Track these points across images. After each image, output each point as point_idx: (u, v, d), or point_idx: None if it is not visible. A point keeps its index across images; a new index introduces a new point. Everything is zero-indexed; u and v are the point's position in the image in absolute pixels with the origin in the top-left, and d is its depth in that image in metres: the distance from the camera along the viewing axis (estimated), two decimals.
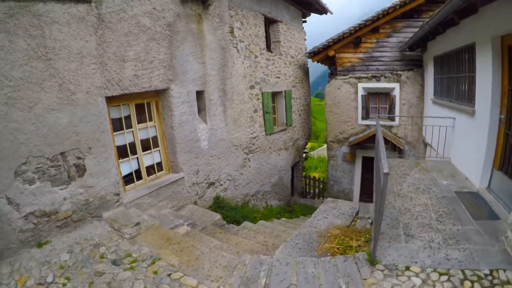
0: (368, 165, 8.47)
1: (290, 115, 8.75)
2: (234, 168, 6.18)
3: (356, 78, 8.15)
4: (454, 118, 4.88)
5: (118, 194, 3.68)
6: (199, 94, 5.09)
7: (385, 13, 7.39)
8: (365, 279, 2.37)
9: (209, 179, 5.43)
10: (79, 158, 3.25)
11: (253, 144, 6.89)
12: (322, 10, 9.36)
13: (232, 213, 5.31)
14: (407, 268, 2.43)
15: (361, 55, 8.11)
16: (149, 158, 4.48)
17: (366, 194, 8.54)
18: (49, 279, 2.55)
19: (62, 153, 3.10)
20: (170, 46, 4.34)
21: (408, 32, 7.43)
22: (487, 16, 3.57)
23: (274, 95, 8.14)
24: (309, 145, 17.44)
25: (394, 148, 7.78)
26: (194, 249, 2.99)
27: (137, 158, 4.29)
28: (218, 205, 5.42)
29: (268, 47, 7.84)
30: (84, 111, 3.24)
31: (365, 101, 8.23)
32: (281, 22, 8.06)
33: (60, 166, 3.09)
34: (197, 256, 2.87)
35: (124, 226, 3.30)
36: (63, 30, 3.00)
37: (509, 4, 3.03)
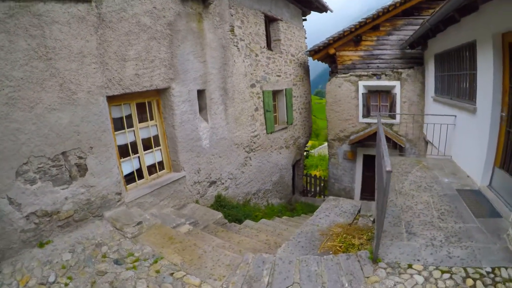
0: (369, 163, 8.47)
1: (291, 113, 8.74)
2: (235, 166, 6.18)
3: (356, 76, 8.13)
4: (455, 116, 4.87)
5: (119, 194, 3.68)
6: (200, 93, 5.08)
7: (385, 11, 7.36)
8: (367, 277, 2.37)
9: (211, 178, 5.43)
10: (80, 157, 3.25)
11: (254, 142, 6.89)
12: (322, 8, 9.33)
13: (234, 211, 5.31)
14: (410, 266, 2.44)
15: (361, 53, 8.08)
16: (150, 157, 4.48)
17: (367, 192, 8.54)
18: (51, 279, 2.55)
19: (63, 153, 3.09)
20: (171, 45, 4.33)
21: (408, 30, 7.41)
22: (488, 14, 3.56)
23: (275, 93, 8.12)
24: (309, 143, 17.42)
25: (395, 146, 7.78)
26: (196, 248, 2.99)
27: (139, 157, 4.29)
28: (219, 203, 5.42)
29: (269, 46, 7.82)
30: (85, 111, 3.24)
31: (366, 99, 8.22)
32: (281, 21, 8.03)
33: (61, 166, 3.09)
34: (199, 255, 2.87)
35: (126, 226, 3.30)
36: (63, 29, 2.99)
37: (510, 1, 3.02)
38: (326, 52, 8.30)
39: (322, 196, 10.69)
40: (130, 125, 4.14)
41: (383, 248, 2.65)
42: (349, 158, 8.72)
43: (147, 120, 4.39)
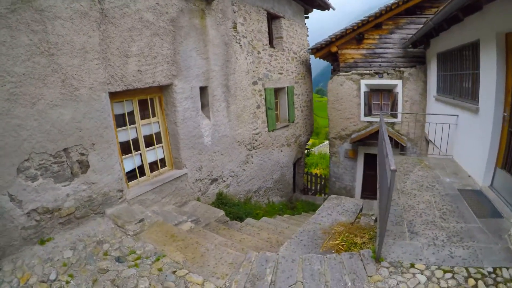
0: (370, 162, 8.47)
1: (293, 111, 8.72)
2: (237, 164, 6.17)
3: (358, 74, 8.11)
4: (457, 116, 4.87)
5: (121, 191, 3.66)
6: (203, 90, 5.06)
7: (388, 9, 7.32)
8: (370, 276, 2.38)
9: (212, 175, 5.42)
10: (82, 154, 3.23)
11: (255, 140, 6.88)
12: (324, 5, 9.28)
13: (235, 209, 5.30)
14: (412, 265, 2.45)
15: (363, 52, 8.05)
16: (152, 154, 4.46)
17: (368, 191, 8.55)
18: (52, 277, 2.53)
19: (65, 150, 3.07)
20: (174, 42, 4.30)
21: (410, 29, 7.38)
22: (491, 13, 3.54)
23: (277, 91, 8.10)
24: (310, 141, 17.41)
25: (396, 145, 7.77)
26: (198, 245, 2.98)
27: (140, 154, 4.27)
28: (221, 201, 5.42)
29: (271, 43, 7.78)
30: (87, 107, 3.21)
31: (368, 97, 8.20)
32: (284, 18, 7.99)
33: (63, 163, 3.07)
34: (202, 253, 2.86)
35: (128, 223, 3.29)
36: (65, 25, 2.95)
37: None
38: (328, 50, 8.27)
39: (323, 195, 10.70)
40: (132, 122, 4.11)
41: (385, 247, 2.66)
42: (350, 157, 8.72)
43: (149, 117, 4.37)
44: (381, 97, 8.28)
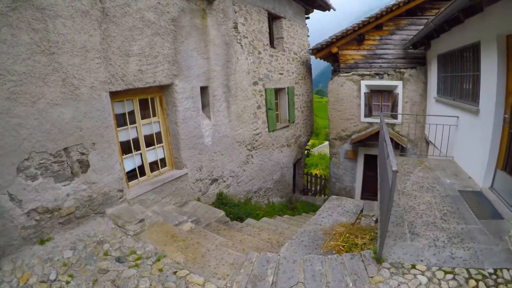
0: (370, 163, 8.47)
1: (293, 112, 8.72)
2: (237, 164, 6.16)
3: (359, 75, 8.11)
4: (458, 117, 4.87)
5: (121, 190, 3.65)
6: (203, 90, 5.05)
7: (389, 10, 7.33)
8: (372, 277, 2.37)
9: (212, 175, 5.41)
10: (82, 154, 3.21)
11: (256, 140, 6.87)
12: (325, 6, 9.28)
13: (235, 209, 5.30)
14: (413, 266, 2.45)
15: (364, 52, 8.06)
16: (152, 154, 4.45)
17: (368, 192, 8.55)
18: (52, 277, 2.52)
19: (65, 149, 3.06)
20: (175, 41, 4.29)
21: (411, 30, 7.39)
22: (492, 15, 3.55)
23: (277, 91, 8.10)
24: (309, 142, 17.42)
25: (396, 147, 7.77)
26: (199, 246, 2.97)
27: (141, 154, 4.26)
28: (221, 201, 5.41)
29: (272, 43, 7.78)
30: (88, 106, 3.20)
31: (368, 98, 8.20)
32: (284, 18, 7.99)
33: (63, 162, 3.05)
34: (202, 254, 2.84)
35: (128, 223, 3.28)
36: (67, 24, 2.94)
37: None
38: (329, 50, 8.27)
39: (323, 195, 10.70)
40: (133, 122, 4.10)
41: (386, 248, 2.66)
42: (350, 158, 8.72)
43: (149, 117, 4.36)
44: (381, 98, 8.29)
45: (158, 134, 4.53)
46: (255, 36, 6.59)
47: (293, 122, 8.80)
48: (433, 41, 6.43)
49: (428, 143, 7.01)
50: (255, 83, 6.70)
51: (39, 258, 2.70)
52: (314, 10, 9.67)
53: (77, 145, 3.15)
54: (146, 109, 4.31)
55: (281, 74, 7.95)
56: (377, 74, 7.94)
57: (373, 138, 7.88)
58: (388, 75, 7.85)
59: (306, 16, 9.55)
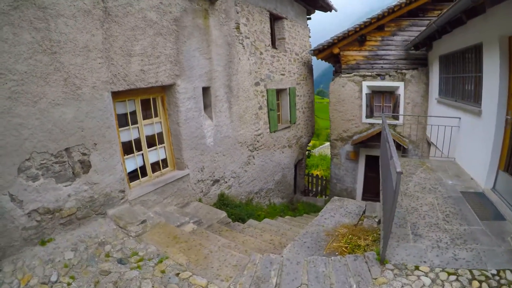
0: (372, 164, 8.46)
1: (294, 112, 8.71)
2: (238, 165, 6.15)
3: (360, 76, 8.10)
4: (460, 118, 4.86)
5: (123, 191, 3.63)
6: (205, 90, 5.03)
7: (391, 11, 7.33)
8: (375, 279, 2.36)
9: (214, 176, 5.39)
10: (84, 154, 3.19)
11: (257, 141, 6.85)
12: (327, 7, 9.28)
13: (237, 210, 5.27)
14: (416, 268, 2.45)
15: (366, 53, 8.05)
16: (154, 155, 4.42)
17: (369, 193, 8.53)
18: (53, 278, 2.49)
19: (66, 149, 3.03)
20: (177, 41, 4.27)
21: (413, 31, 7.38)
22: (495, 16, 3.54)
23: (279, 92, 8.09)
24: (310, 143, 17.41)
25: (398, 147, 7.75)
26: (202, 247, 2.94)
27: (142, 154, 4.24)
28: (222, 202, 5.39)
29: (273, 44, 7.77)
30: (89, 106, 3.18)
31: (370, 99, 8.19)
32: (286, 19, 7.98)
33: (64, 163, 3.03)
34: (205, 255, 2.82)
35: (130, 224, 3.25)
36: (68, 23, 2.92)
37: None
38: (330, 51, 8.27)
39: (324, 196, 10.68)
40: (134, 122, 4.08)
41: (389, 249, 2.66)
42: (351, 159, 8.70)
43: (151, 117, 4.34)
44: (382, 99, 8.28)
45: (160, 134, 4.51)
46: (257, 36, 6.58)
47: (294, 123, 8.78)
48: (435, 42, 6.42)
49: (429, 144, 6.99)
50: (257, 84, 6.69)
51: (40, 259, 2.67)
52: (316, 10, 9.68)
53: (78, 145, 3.13)
54: (148, 110, 4.29)
55: (283, 74, 7.93)
56: (378, 75, 7.93)
57: (375, 139, 7.86)
58: (390, 76, 7.84)
59: (307, 16, 9.56)
